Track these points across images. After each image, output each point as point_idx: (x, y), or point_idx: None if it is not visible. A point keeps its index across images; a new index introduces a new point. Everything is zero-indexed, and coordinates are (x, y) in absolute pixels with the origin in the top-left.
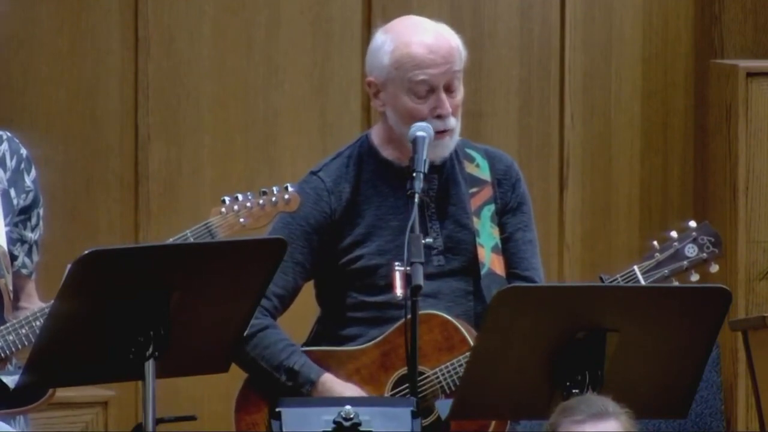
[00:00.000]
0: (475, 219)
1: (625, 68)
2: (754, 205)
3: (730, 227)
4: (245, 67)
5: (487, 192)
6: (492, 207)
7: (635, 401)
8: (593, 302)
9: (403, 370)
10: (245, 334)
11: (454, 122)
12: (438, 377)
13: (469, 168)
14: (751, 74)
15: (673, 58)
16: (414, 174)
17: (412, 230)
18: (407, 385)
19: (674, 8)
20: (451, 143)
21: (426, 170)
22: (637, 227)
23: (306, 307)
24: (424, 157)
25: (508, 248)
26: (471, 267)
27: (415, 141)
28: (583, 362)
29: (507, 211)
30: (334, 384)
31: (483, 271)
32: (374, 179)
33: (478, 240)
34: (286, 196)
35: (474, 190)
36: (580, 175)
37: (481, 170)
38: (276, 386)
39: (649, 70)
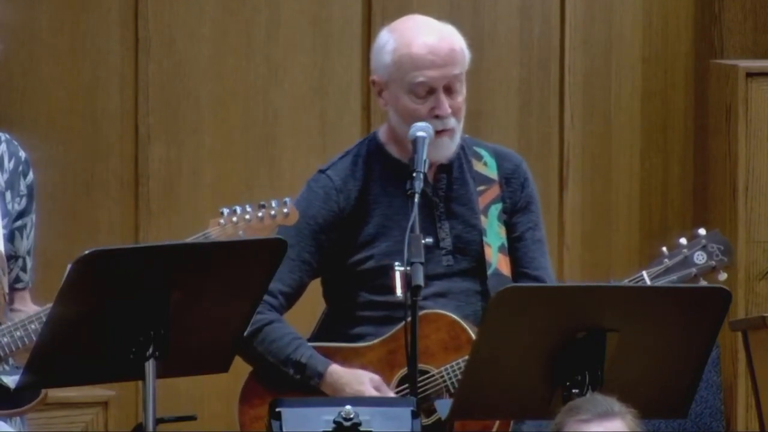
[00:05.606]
0: (482, 218)
1: (625, 68)
2: (754, 205)
3: (730, 227)
4: (245, 67)
5: (495, 190)
6: (499, 206)
7: (635, 401)
8: (593, 302)
9: None
10: (251, 329)
11: (453, 122)
12: (443, 376)
13: (477, 166)
14: (751, 74)
15: (673, 58)
16: (414, 174)
17: (412, 230)
18: None
19: (674, 8)
20: (451, 144)
21: (425, 170)
22: (637, 227)
23: (311, 303)
24: (424, 157)
25: (518, 248)
26: (479, 267)
27: (415, 141)
28: (583, 362)
29: (516, 211)
30: (341, 373)
31: (489, 271)
32: (382, 178)
33: (485, 239)
34: (285, 210)
35: (482, 188)
36: (580, 175)
37: (489, 168)
38: (285, 380)
39: (649, 70)
